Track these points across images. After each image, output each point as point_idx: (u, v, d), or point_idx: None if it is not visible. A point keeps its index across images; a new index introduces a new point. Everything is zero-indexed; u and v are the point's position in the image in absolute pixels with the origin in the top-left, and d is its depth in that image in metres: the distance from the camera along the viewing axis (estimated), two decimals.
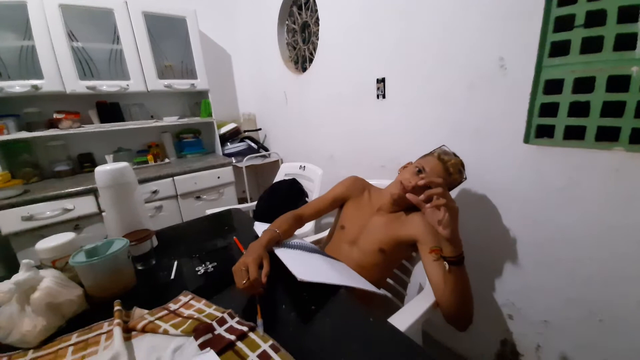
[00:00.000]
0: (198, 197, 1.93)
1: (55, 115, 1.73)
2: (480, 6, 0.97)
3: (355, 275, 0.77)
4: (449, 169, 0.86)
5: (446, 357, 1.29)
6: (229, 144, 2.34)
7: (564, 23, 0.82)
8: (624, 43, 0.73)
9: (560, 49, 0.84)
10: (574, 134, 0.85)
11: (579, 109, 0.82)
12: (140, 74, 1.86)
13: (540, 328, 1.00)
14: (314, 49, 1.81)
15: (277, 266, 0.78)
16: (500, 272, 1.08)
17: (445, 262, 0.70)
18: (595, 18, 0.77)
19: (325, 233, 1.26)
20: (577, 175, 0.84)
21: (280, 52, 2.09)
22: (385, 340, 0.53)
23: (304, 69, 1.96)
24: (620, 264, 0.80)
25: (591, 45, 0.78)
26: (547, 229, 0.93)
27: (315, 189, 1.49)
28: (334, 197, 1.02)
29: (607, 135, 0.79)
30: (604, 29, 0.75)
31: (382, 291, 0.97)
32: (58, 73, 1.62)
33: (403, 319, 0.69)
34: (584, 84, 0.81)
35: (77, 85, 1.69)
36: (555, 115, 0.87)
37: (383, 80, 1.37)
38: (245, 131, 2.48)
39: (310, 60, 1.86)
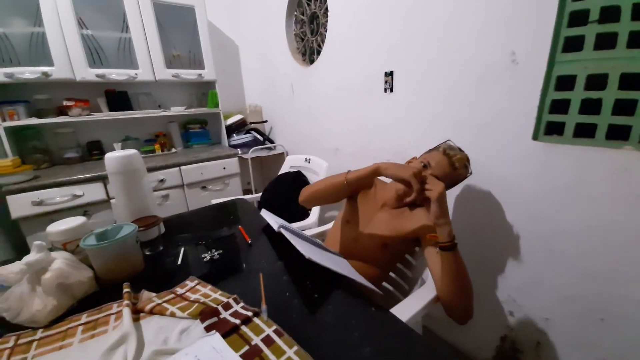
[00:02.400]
0: (204, 187, 1.95)
1: (65, 103, 1.75)
2: None
3: (355, 273, 0.78)
4: (454, 163, 0.86)
5: (446, 351, 1.31)
6: (235, 135, 2.35)
7: (578, 18, 0.80)
8: (638, 40, 0.72)
9: (573, 45, 0.82)
10: (584, 132, 0.84)
11: (590, 107, 0.81)
12: (149, 63, 1.87)
13: (541, 325, 1.01)
14: (322, 41, 1.79)
15: (282, 253, 0.79)
16: (503, 268, 1.08)
17: (438, 247, 0.74)
18: (610, 14, 0.75)
19: (329, 225, 1.27)
20: (584, 174, 0.83)
21: (288, 43, 2.07)
22: (387, 329, 0.54)
23: (312, 61, 1.94)
24: (624, 263, 0.79)
25: (605, 42, 0.77)
26: (551, 226, 0.93)
27: None
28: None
29: (617, 134, 0.78)
30: (618, 25, 0.74)
31: (381, 291, 0.98)
32: (68, 60, 1.64)
33: (404, 311, 0.70)
34: (596, 81, 0.79)
35: (86, 73, 1.70)
36: (565, 112, 0.86)
37: (391, 73, 1.35)
38: (251, 123, 2.48)
39: (318, 52, 1.85)
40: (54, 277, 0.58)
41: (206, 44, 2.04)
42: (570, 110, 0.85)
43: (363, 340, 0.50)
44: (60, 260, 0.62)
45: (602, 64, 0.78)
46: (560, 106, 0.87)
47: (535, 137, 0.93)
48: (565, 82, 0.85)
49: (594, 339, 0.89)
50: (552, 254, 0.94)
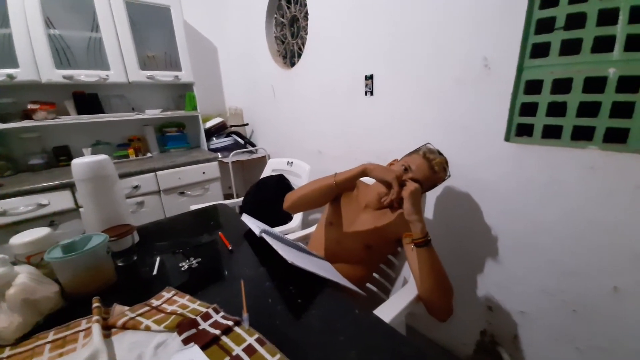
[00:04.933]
0: (182, 193, 1.89)
1: (29, 106, 1.64)
2: (467, 6, 0.99)
3: (339, 276, 0.78)
4: (434, 167, 0.88)
5: (429, 347, 1.33)
6: (214, 138, 2.29)
7: (545, 25, 0.85)
8: (603, 45, 0.76)
9: (541, 51, 0.87)
10: (552, 133, 0.88)
11: (557, 109, 0.86)
12: (121, 64, 1.79)
13: (517, 318, 1.05)
14: (303, 44, 1.79)
15: (264, 259, 0.77)
16: (482, 265, 1.12)
17: (412, 244, 0.76)
18: (576, 20, 0.79)
19: (312, 228, 1.26)
20: (556, 173, 0.88)
21: (268, 45, 2.06)
22: (371, 331, 0.54)
23: (293, 64, 1.94)
24: (594, 256, 0.84)
25: (570, 48, 0.81)
26: (526, 223, 0.97)
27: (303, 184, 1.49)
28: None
29: (582, 135, 0.82)
30: (584, 31, 0.78)
31: (365, 292, 0.99)
32: (34, 61, 1.54)
33: (387, 311, 0.71)
34: (562, 85, 0.84)
35: (52, 74, 1.60)
36: (534, 115, 0.91)
37: (371, 77, 1.37)
38: (231, 126, 2.44)
39: (299, 55, 1.85)
40: (18, 293, 0.55)
41: (183, 45, 1.99)
42: (538, 113, 0.90)
43: (348, 344, 0.50)
44: (24, 274, 0.58)
45: (567, 69, 0.83)
46: (529, 109, 0.92)
47: (507, 138, 0.97)
48: (534, 86, 0.90)
49: (567, 329, 0.93)
50: (527, 250, 0.98)
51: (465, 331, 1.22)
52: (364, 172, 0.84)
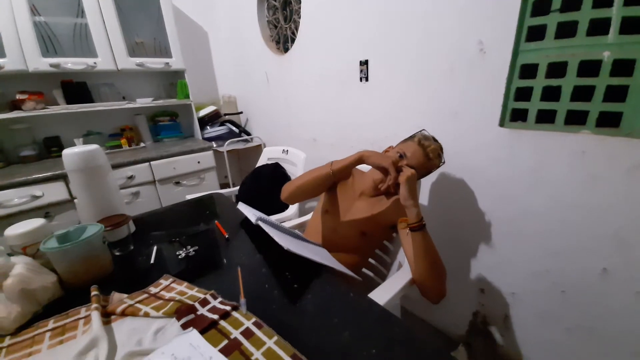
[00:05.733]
0: (177, 183, 1.88)
1: (18, 96, 1.61)
2: None
3: (335, 262, 0.79)
4: (428, 154, 0.89)
5: (423, 329, 1.37)
6: (208, 127, 2.26)
7: (541, 7, 0.84)
8: (598, 28, 0.75)
9: (536, 34, 0.86)
10: (546, 118, 0.88)
11: (552, 94, 0.86)
12: (109, 51, 1.74)
13: (508, 300, 1.08)
14: (296, 28, 1.75)
15: (260, 246, 0.78)
16: (475, 249, 1.14)
17: (408, 229, 0.78)
18: (572, 2, 0.78)
19: (308, 216, 1.27)
20: (546, 158, 0.89)
21: (260, 30, 2.00)
22: (365, 313, 0.55)
23: (286, 49, 1.90)
24: (582, 239, 0.86)
25: (566, 30, 0.80)
26: (517, 208, 0.98)
27: (299, 172, 1.49)
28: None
29: (576, 119, 0.83)
30: (579, 13, 0.77)
31: (360, 277, 1.01)
32: (20, 50, 1.50)
33: (382, 295, 0.73)
34: (558, 69, 0.83)
35: (39, 63, 1.56)
36: (529, 100, 0.91)
37: (366, 62, 1.35)
38: (225, 114, 2.40)
39: (292, 40, 1.81)
40: (15, 283, 0.55)
41: (172, 30, 1.93)
42: (533, 98, 0.89)
43: (342, 326, 0.51)
44: (20, 265, 0.59)
45: (562, 52, 0.82)
46: (524, 94, 0.92)
47: (501, 124, 0.97)
48: (529, 71, 0.89)
49: (556, 309, 0.97)
50: (518, 234, 1.00)
51: (457, 313, 1.26)
52: (360, 159, 0.85)
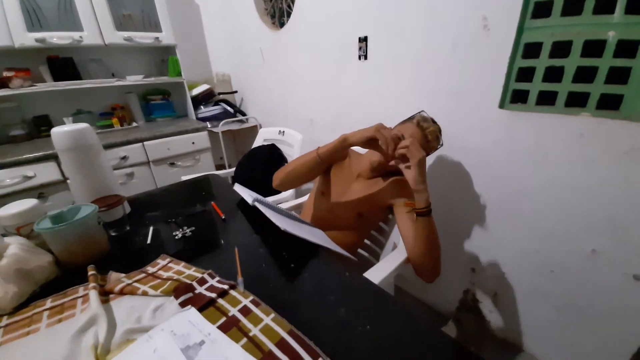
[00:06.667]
0: (172, 164, 1.86)
1: (5, 73, 1.54)
2: None
3: (331, 242, 0.80)
4: (427, 136, 0.88)
5: (416, 306, 1.43)
6: (202, 107, 2.21)
7: None
8: (604, 6, 0.73)
9: (542, 11, 0.83)
10: (546, 100, 0.87)
11: (554, 74, 0.84)
12: (95, 24, 1.65)
13: (498, 278, 1.12)
14: (292, 2, 1.66)
15: (257, 227, 0.79)
16: (468, 229, 1.17)
17: (415, 213, 0.77)
18: None
19: (304, 198, 1.27)
20: (544, 140, 0.88)
21: (255, 3, 1.91)
22: (360, 291, 0.56)
23: (282, 24, 1.82)
24: (573, 220, 0.88)
25: (573, 7, 0.78)
26: (511, 189, 0.99)
27: (295, 154, 1.47)
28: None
29: (576, 101, 0.82)
30: None
31: (356, 257, 1.02)
32: (6, 25, 1.42)
33: (377, 274, 0.74)
34: (562, 48, 0.81)
35: (25, 37, 1.49)
36: (531, 80, 0.89)
37: (365, 39, 1.30)
38: (219, 93, 2.34)
39: (289, 15, 1.73)
40: (10, 263, 0.55)
41: (161, 2, 1.83)
42: (535, 78, 0.88)
43: (338, 303, 0.52)
44: (15, 245, 0.59)
45: (567, 31, 0.79)
46: (526, 74, 0.89)
47: (501, 105, 0.96)
48: (533, 50, 0.87)
49: (544, 288, 1.00)
50: (512, 215, 1.02)
51: (449, 291, 1.30)
52: (344, 140, 0.81)
